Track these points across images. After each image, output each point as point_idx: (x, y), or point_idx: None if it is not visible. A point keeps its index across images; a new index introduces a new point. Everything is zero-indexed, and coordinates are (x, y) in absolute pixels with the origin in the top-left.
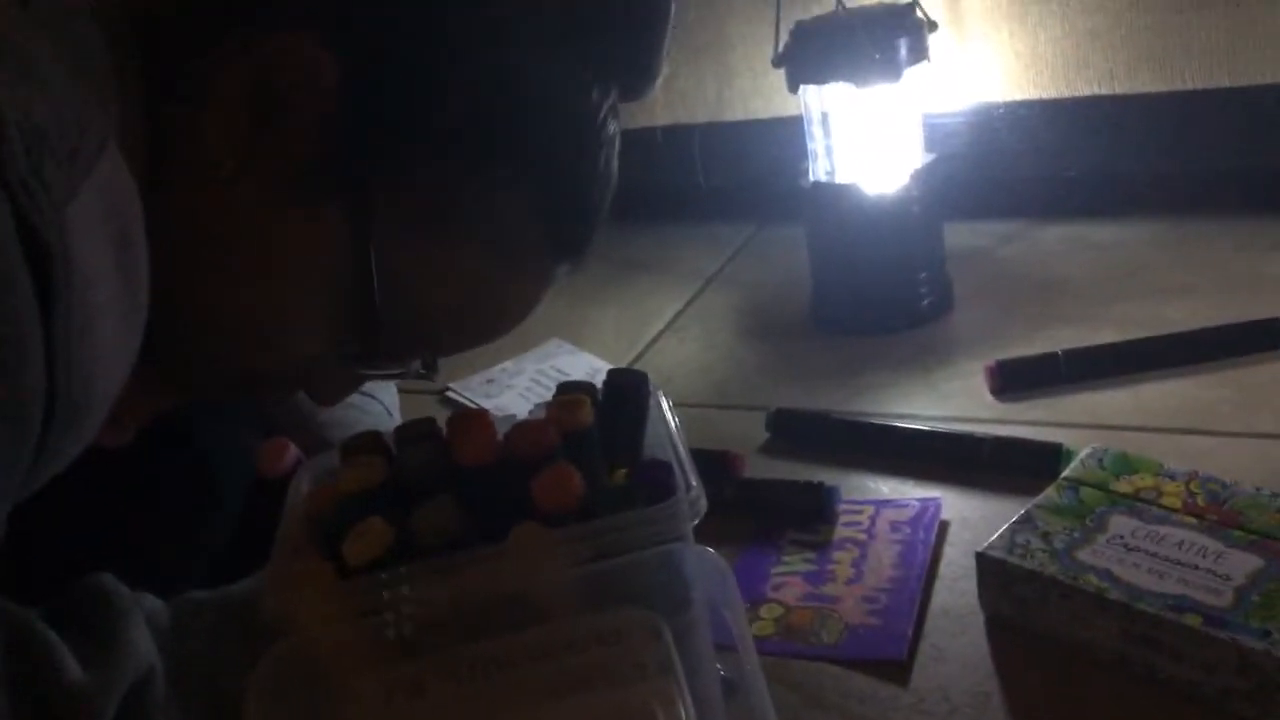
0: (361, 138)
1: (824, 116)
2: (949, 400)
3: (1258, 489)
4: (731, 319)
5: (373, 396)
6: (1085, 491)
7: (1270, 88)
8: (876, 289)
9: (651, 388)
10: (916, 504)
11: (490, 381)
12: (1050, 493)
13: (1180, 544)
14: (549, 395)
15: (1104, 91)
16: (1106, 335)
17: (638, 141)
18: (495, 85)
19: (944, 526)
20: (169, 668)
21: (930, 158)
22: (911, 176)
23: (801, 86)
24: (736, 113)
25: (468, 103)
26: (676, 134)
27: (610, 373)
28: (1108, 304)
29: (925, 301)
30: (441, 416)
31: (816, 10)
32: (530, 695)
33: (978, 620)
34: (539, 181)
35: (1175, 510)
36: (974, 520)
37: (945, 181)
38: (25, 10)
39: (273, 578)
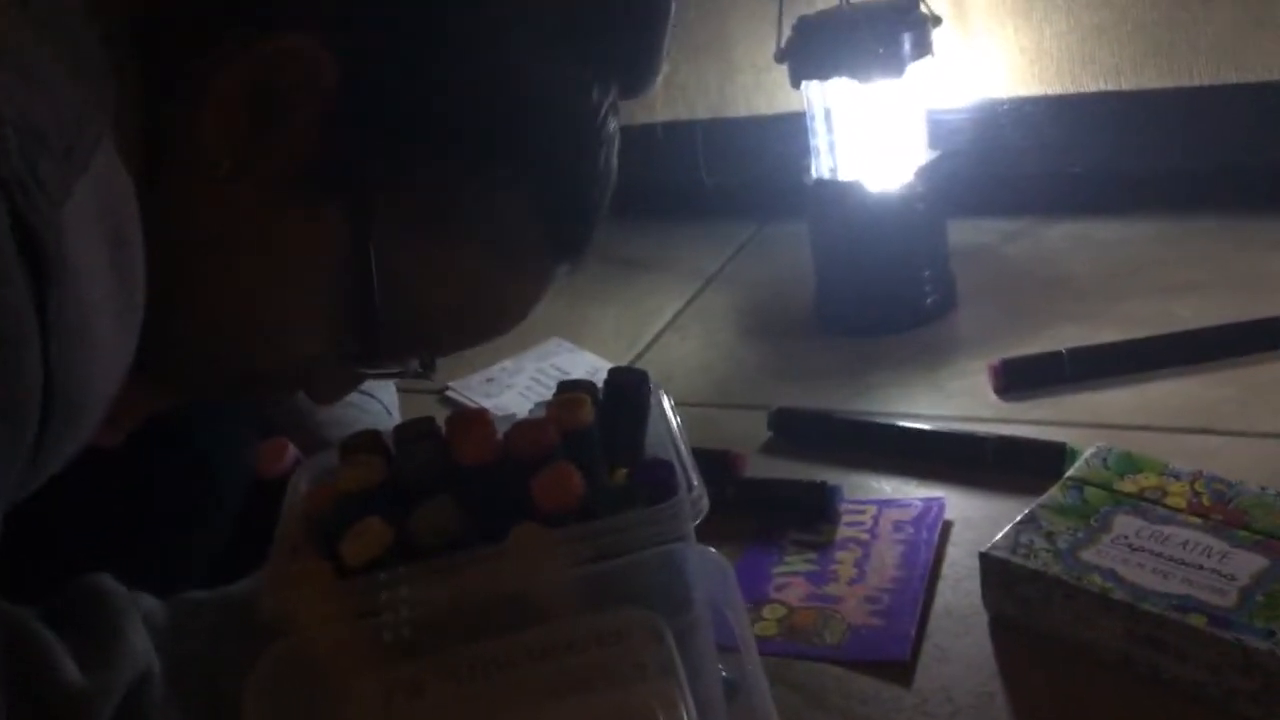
0: (361, 138)
1: (827, 113)
2: (952, 399)
3: (1263, 489)
4: (733, 317)
5: (372, 395)
6: (1089, 491)
7: (1278, 83)
8: (880, 287)
9: (652, 386)
10: (919, 504)
11: (490, 380)
12: (1054, 492)
13: (1185, 544)
14: (549, 394)
15: (1110, 87)
16: (1111, 333)
17: (639, 138)
18: (495, 85)
19: (947, 526)
20: (167, 668)
21: (934, 154)
22: (915, 173)
23: (804, 82)
24: (739, 109)
25: (467, 103)
26: (678, 130)
27: (611, 371)
28: (1113, 302)
29: (929, 299)
30: (441, 416)
31: (819, 5)
32: (530, 696)
33: (981, 621)
34: (539, 181)
35: (1180, 510)
36: (977, 520)
37: (949, 178)
38: (25, 10)
39: (271, 577)
